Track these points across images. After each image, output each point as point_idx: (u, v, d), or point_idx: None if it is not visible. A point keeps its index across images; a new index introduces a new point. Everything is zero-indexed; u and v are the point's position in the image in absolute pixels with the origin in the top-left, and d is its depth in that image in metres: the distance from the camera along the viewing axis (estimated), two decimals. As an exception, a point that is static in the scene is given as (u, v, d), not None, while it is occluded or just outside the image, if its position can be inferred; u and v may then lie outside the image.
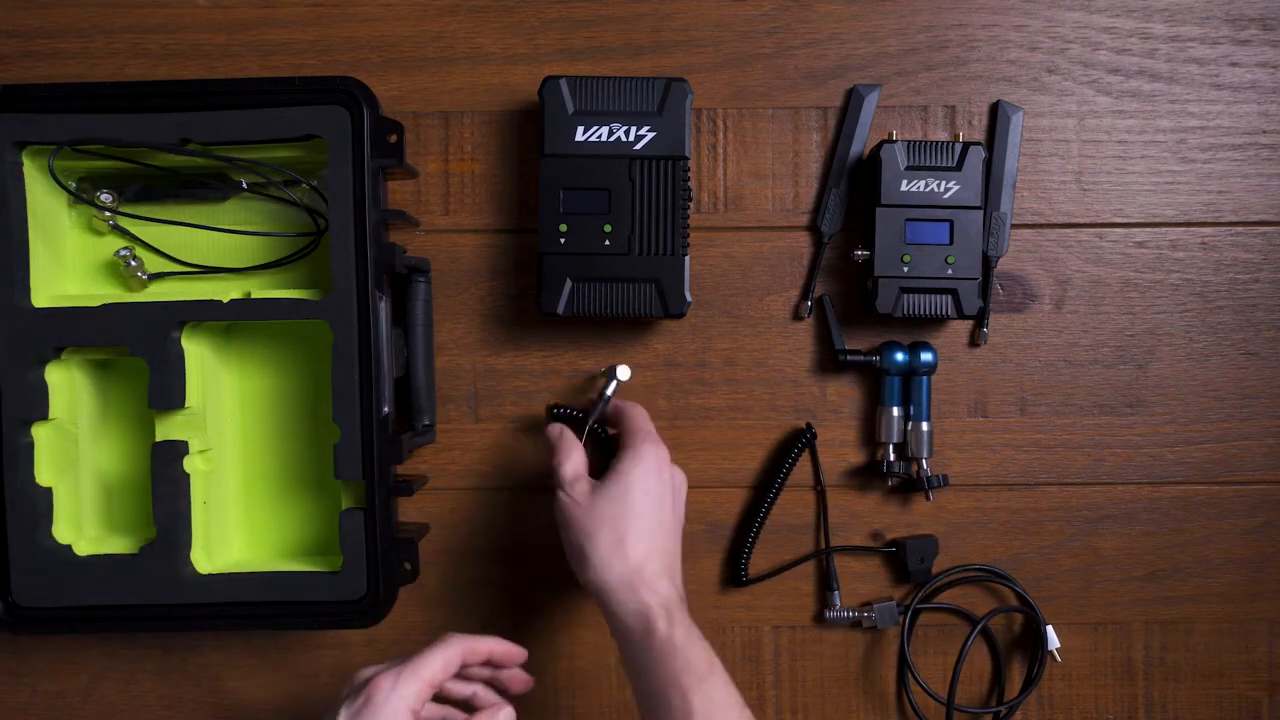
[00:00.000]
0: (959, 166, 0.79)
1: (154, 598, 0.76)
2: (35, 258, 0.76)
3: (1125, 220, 0.84)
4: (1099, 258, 0.84)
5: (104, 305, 0.75)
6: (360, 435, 0.74)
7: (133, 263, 0.79)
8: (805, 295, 0.84)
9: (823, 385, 0.85)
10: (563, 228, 0.77)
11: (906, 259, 0.79)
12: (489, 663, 0.72)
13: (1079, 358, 0.84)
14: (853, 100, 0.83)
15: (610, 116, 0.77)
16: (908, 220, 0.79)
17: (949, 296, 0.79)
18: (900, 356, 0.82)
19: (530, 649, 0.84)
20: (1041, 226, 0.84)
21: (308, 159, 0.78)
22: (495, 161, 0.83)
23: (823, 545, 0.85)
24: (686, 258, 0.78)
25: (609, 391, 0.79)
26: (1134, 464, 0.85)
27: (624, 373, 0.80)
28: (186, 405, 0.76)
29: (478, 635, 0.71)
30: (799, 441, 0.83)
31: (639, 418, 0.77)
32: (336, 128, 0.74)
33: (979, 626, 0.84)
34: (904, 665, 0.85)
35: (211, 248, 0.81)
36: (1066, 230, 0.84)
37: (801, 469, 0.84)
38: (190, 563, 0.76)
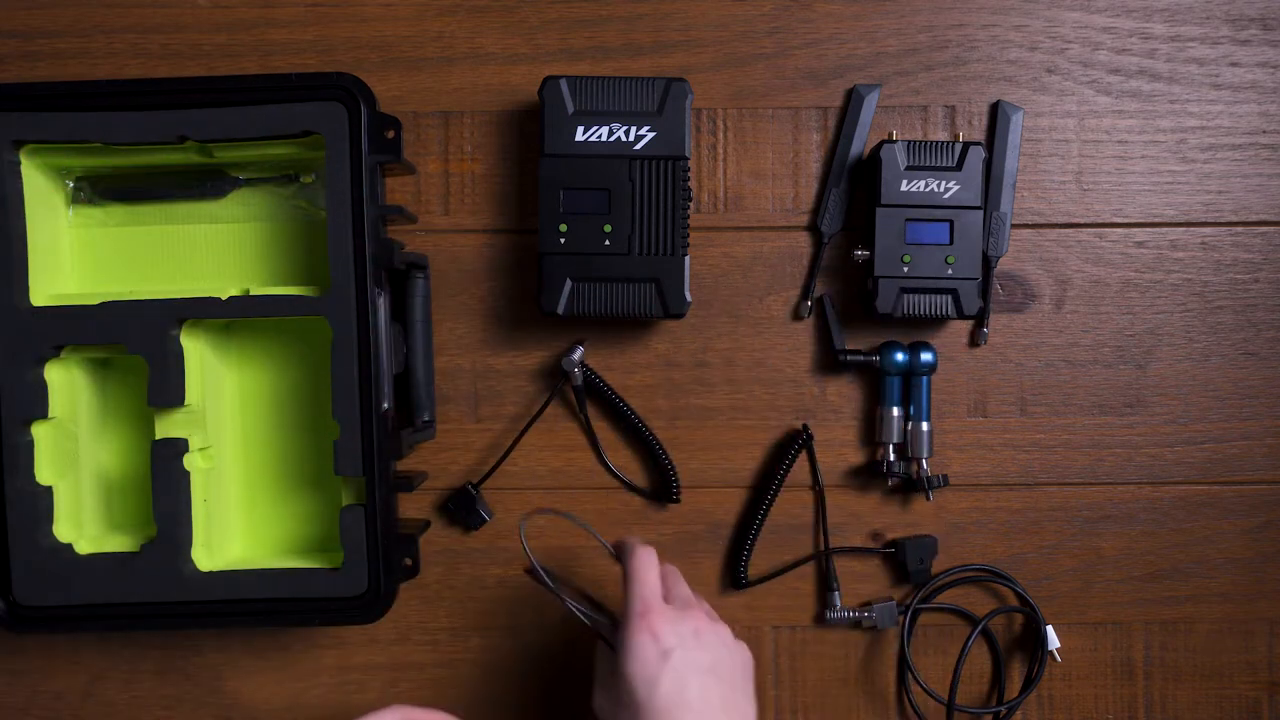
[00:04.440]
0: (959, 166, 0.79)
1: (155, 596, 0.76)
2: (34, 256, 0.76)
3: (1125, 220, 0.84)
4: (1099, 258, 0.84)
5: (103, 303, 0.75)
6: (360, 431, 0.74)
7: None
8: (805, 295, 0.84)
9: (823, 385, 0.84)
10: (563, 228, 0.77)
11: (906, 259, 0.79)
12: None
13: (1079, 358, 0.84)
14: (853, 100, 0.83)
15: (610, 116, 0.77)
16: (908, 220, 0.79)
17: (949, 296, 0.79)
18: (900, 356, 0.82)
19: (530, 649, 0.85)
20: (1041, 226, 0.84)
21: (306, 155, 0.78)
22: (495, 161, 0.83)
23: (822, 546, 0.84)
24: (686, 258, 0.78)
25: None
26: (1134, 464, 0.85)
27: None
28: (186, 403, 0.76)
29: (425, 710, 0.68)
30: (795, 443, 0.83)
31: (639, 577, 0.68)
32: (334, 124, 0.74)
33: (979, 627, 0.84)
34: (904, 665, 0.85)
35: (210, 245, 0.81)
36: (1066, 230, 0.84)
37: (801, 469, 0.84)
38: (191, 560, 0.76)
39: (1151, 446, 0.85)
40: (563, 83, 0.77)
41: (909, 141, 0.79)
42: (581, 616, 0.70)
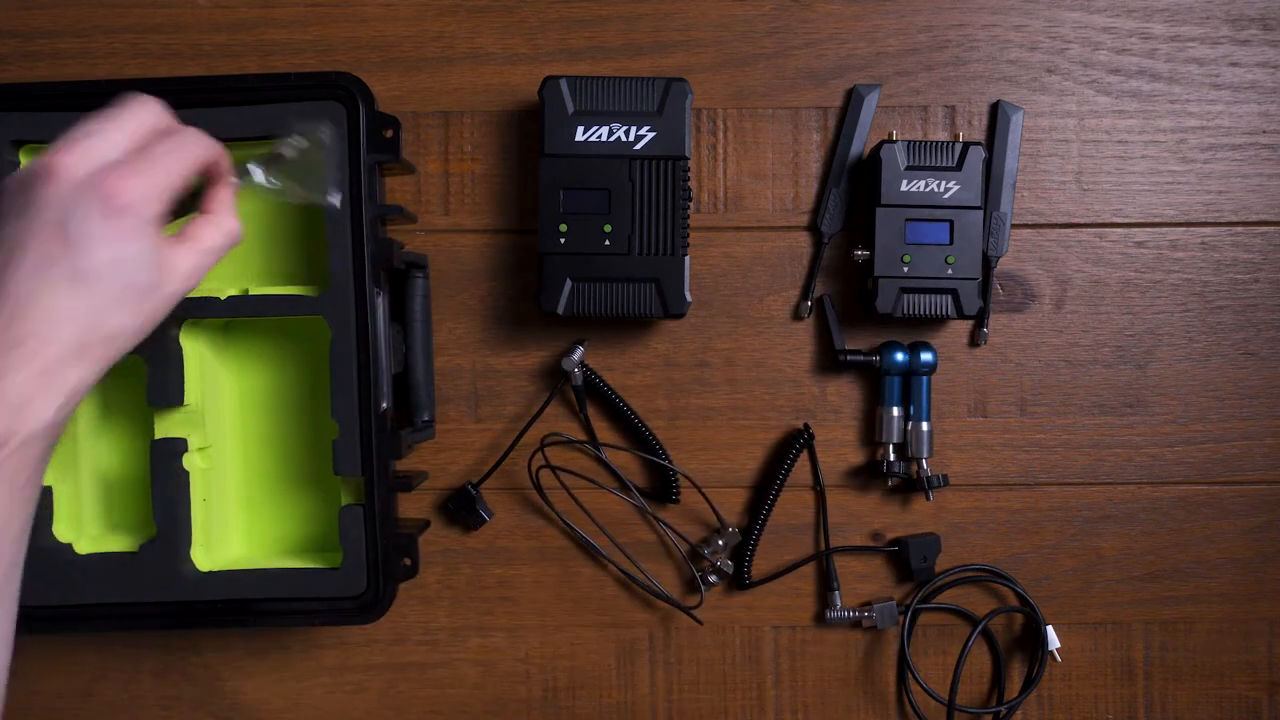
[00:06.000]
0: (959, 166, 0.79)
1: (154, 595, 0.76)
2: (35, 256, 0.76)
3: (1125, 220, 0.84)
4: (1099, 258, 0.84)
5: (104, 303, 0.75)
6: (359, 431, 0.74)
7: None
8: (805, 295, 0.84)
9: (823, 385, 0.84)
10: (563, 228, 0.77)
11: (906, 259, 0.79)
12: None
13: (1079, 358, 0.84)
14: (853, 100, 0.83)
15: (610, 116, 0.77)
16: (908, 220, 0.79)
17: (949, 296, 0.79)
18: (900, 356, 0.82)
19: (530, 649, 0.85)
20: (1041, 226, 0.84)
21: (306, 155, 0.78)
22: (495, 161, 0.83)
23: (823, 545, 0.84)
24: (686, 258, 0.78)
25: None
26: (1134, 464, 0.85)
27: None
28: (185, 403, 0.76)
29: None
30: (796, 443, 0.83)
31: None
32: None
33: (979, 627, 0.84)
34: (904, 665, 0.84)
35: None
36: (1066, 230, 0.84)
37: (801, 469, 0.84)
38: (190, 560, 0.76)
39: (1151, 446, 0.85)
40: (563, 83, 0.77)
41: (909, 141, 0.79)
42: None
